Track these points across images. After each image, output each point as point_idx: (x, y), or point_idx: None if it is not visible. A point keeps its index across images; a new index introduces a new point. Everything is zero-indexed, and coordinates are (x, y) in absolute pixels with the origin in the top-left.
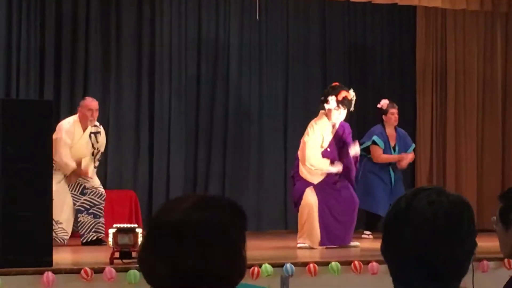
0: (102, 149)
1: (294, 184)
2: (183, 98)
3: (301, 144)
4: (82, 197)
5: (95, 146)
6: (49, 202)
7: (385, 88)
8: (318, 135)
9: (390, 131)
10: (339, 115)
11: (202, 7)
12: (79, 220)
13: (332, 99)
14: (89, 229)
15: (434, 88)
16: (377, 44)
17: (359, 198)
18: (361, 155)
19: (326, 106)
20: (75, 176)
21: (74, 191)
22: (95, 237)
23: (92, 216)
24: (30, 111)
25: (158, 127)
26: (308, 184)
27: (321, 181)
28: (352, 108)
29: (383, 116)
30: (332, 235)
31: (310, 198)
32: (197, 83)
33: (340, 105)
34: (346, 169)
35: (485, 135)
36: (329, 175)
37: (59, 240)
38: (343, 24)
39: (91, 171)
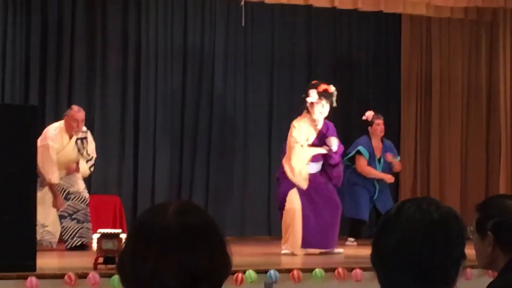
0: (94, 155)
1: (279, 185)
2: (168, 104)
3: (287, 144)
4: (65, 203)
5: (81, 151)
6: (33, 206)
7: (370, 95)
8: (303, 134)
9: (376, 143)
10: (322, 108)
11: (188, 13)
12: (62, 226)
13: (313, 92)
14: (72, 235)
15: (418, 95)
16: (362, 51)
17: (345, 208)
18: (346, 165)
19: (308, 99)
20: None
21: None
22: (79, 242)
23: (75, 221)
24: (15, 115)
25: (143, 133)
26: (292, 185)
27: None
28: (334, 104)
29: (369, 128)
30: (314, 239)
31: (294, 202)
32: (183, 89)
33: (322, 98)
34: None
35: (469, 143)
36: (314, 178)
37: (46, 243)
38: (328, 32)
39: (84, 173)
